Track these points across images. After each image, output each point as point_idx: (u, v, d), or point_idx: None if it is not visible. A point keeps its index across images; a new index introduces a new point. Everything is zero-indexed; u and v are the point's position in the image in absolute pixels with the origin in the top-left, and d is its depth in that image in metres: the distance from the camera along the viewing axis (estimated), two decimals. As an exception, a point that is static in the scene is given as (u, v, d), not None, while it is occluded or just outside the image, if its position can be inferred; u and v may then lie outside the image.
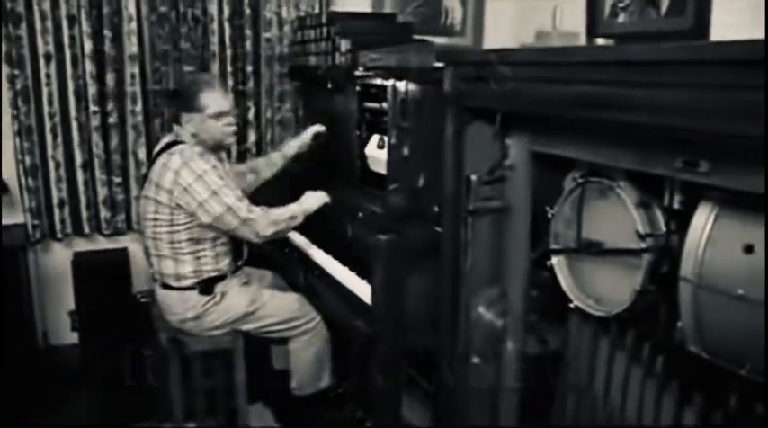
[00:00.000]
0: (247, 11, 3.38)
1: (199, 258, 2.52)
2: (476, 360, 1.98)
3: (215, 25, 3.34)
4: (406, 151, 2.21)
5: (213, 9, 3.32)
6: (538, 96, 1.58)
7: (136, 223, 3.34)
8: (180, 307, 2.53)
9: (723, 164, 1.27)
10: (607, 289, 1.73)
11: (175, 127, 2.57)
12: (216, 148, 2.60)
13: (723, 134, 1.15)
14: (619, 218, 1.65)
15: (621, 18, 3.16)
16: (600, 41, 3.18)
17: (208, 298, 2.53)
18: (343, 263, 2.46)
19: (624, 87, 1.34)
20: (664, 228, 1.59)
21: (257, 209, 2.47)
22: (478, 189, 1.87)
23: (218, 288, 2.56)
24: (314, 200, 2.65)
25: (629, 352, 1.74)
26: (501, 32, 3.70)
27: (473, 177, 1.86)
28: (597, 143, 1.58)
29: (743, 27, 2.56)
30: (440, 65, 1.90)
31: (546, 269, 1.88)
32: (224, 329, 2.55)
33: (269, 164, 3.00)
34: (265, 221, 2.47)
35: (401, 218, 2.08)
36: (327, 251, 2.61)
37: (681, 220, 1.54)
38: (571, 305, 1.80)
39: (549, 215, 1.84)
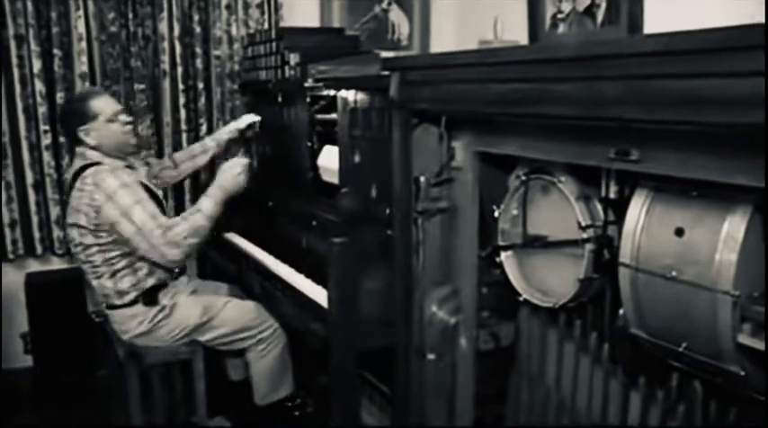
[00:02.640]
0: (197, 29, 3.41)
1: (136, 270, 2.51)
2: (431, 356, 2.03)
3: (165, 44, 3.36)
4: (357, 158, 2.26)
5: (164, 28, 3.34)
6: (477, 96, 1.64)
7: (67, 250, 3.32)
8: (129, 323, 2.53)
9: (653, 152, 1.35)
10: (553, 282, 1.80)
11: (78, 150, 2.56)
12: (122, 154, 2.59)
13: (648, 121, 1.23)
14: (561, 211, 1.73)
15: (561, 29, 3.29)
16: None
17: (156, 310, 2.53)
18: (299, 270, 2.50)
19: (555, 83, 1.42)
20: (602, 218, 1.67)
21: (165, 233, 2.39)
22: (427, 190, 1.93)
23: (166, 300, 2.56)
24: (226, 180, 2.57)
25: (577, 342, 1.81)
26: (445, 45, 3.80)
27: (421, 179, 1.92)
28: (536, 140, 1.65)
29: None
30: (386, 73, 1.97)
31: (496, 266, 1.95)
32: (178, 342, 2.55)
33: (203, 152, 3.05)
34: (175, 243, 2.40)
35: (354, 223, 2.13)
36: (283, 260, 2.64)
37: (618, 210, 1.62)
38: (520, 298, 1.87)
39: (496, 213, 1.91)
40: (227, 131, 3.08)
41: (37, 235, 3.26)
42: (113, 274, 2.49)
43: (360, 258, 2.04)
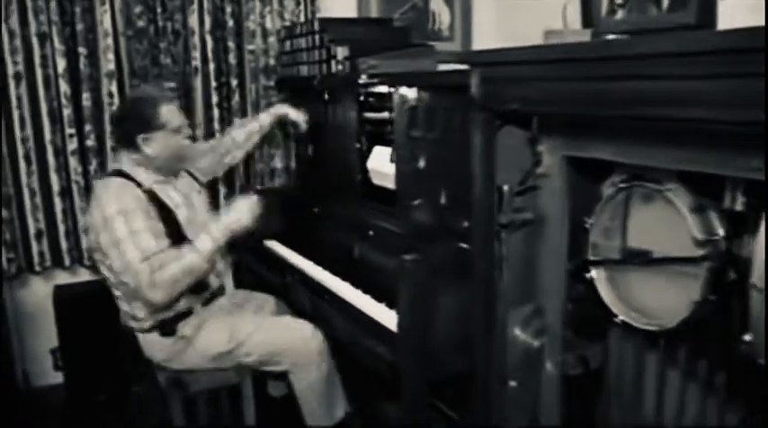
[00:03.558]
0: (230, 22, 3.20)
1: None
2: (512, 383, 1.83)
3: (196, 38, 3.16)
4: (421, 163, 2.06)
5: (194, 22, 3.14)
6: (578, 96, 1.44)
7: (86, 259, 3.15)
8: (149, 349, 2.34)
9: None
10: (657, 302, 1.59)
11: (117, 154, 2.39)
12: (173, 169, 2.43)
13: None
14: (667, 223, 1.52)
15: (620, 14, 3.05)
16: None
17: (173, 340, 2.32)
18: (355, 284, 2.29)
19: (683, 80, 1.21)
20: (721, 233, 1.46)
21: (153, 274, 2.16)
22: (511, 200, 1.72)
23: (188, 329, 2.34)
24: (234, 221, 2.33)
25: (684, 369, 1.61)
26: (488, 37, 3.57)
27: (505, 188, 1.71)
28: (638, 144, 1.45)
29: (752, 22, 2.46)
30: (458, 68, 1.76)
31: (583, 282, 1.74)
32: (206, 368, 2.36)
33: (236, 147, 2.88)
34: (158, 286, 2.18)
35: (424, 236, 1.92)
36: (334, 272, 2.44)
37: (742, 223, 1.41)
38: (616, 319, 1.67)
39: (587, 225, 1.71)
40: (272, 113, 2.90)
41: (64, 245, 3.07)
42: (127, 297, 2.31)
43: (432, 276, 1.84)
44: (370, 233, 2.31)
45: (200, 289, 2.38)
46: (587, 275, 1.72)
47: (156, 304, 2.20)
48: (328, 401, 2.44)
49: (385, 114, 2.46)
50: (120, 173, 2.29)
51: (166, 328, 2.30)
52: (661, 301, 1.58)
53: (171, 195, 2.39)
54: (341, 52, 2.55)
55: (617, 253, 1.65)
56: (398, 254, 1.87)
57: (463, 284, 1.80)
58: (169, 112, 2.33)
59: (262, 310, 2.65)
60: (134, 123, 2.31)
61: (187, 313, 2.33)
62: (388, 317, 2.01)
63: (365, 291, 2.21)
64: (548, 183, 1.73)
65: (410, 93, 2.16)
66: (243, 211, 2.33)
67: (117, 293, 2.31)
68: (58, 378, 3.11)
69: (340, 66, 2.56)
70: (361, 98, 2.48)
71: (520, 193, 1.75)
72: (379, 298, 2.13)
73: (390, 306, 2.05)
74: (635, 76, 1.29)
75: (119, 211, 2.17)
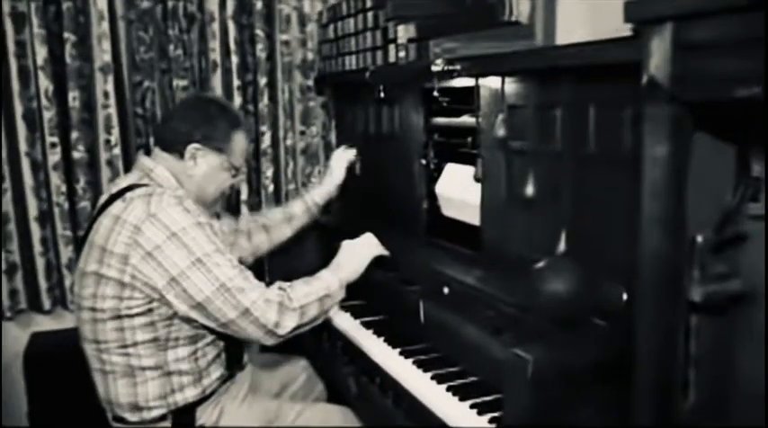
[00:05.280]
0: (258, 5, 2.53)
1: (170, 374, 1.61)
2: None
3: (215, 25, 2.50)
4: (527, 189, 1.34)
5: (213, 4, 2.48)
6: None
7: (70, 301, 2.46)
8: None
9: None
10: None
11: (144, 160, 1.72)
12: (210, 204, 1.79)
13: None
14: None
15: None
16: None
17: None
18: (422, 366, 1.56)
19: None
20: None
21: (271, 291, 1.59)
22: (708, 259, 0.99)
23: (206, 416, 1.67)
24: (355, 257, 1.79)
25: None
26: (576, 27, 2.84)
27: (698, 239, 0.98)
28: None
29: None
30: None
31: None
32: None
33: (286, 220, 2.14)
34: (285, 308, 1.58)
35: (541, 313, 1.19)
36: (391, 342, 1.72)
37: None
38: None
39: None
40: (323, 192, 2.20)
41: (43, 284, 2.42)
42: (133, 374, 1.60)
43: (561, 380, 1.10)
44: (445, 290, 1.58)
45: (235, 361, 1.75)
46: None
47: (282, 335, 1.60)
48: None
49: (463, 119, 1.76)
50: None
51: (184, 418, 1.64)
52: None
53: (217, 232, 1.75)
54: (403, 33, 1.85)
55: None
56: (486, 325, 1.16)
57: (611, 397, 1.07)
58: (240, 144, 1.78)
59: (290, 384, 1.97)
60: (198, 126, 1.71)
61: (209, 395, 1.68)
62: (470, 421, 1.29)
63: (439, 380, 1.48)
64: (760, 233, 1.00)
65: (512, 84, 1.46)
66: (364, 250, 1.83)
67: (115, 364, 1.60)
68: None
69: (402, 53, 1.86)
70: (430, 97, 1.78)
71: (718, 249, 1.01)
72: (462, 394, 1.40)
73: (481, 411, 1.32)
74: None
75: (195, 224, 1.56)
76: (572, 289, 1.13)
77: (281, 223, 2.14)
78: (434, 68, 1.58)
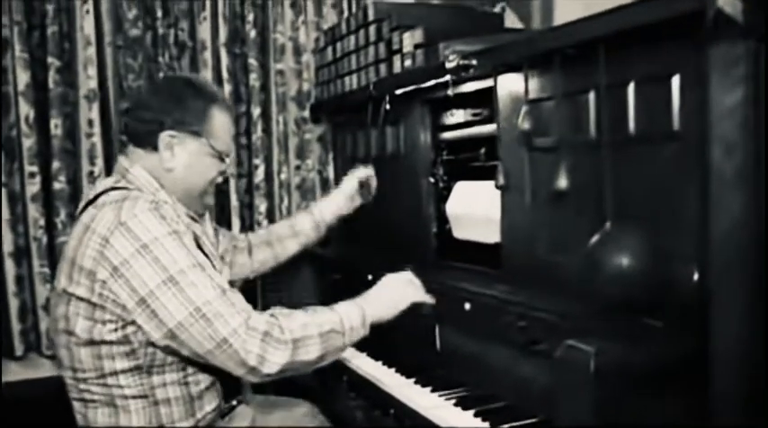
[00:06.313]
0: (252, 33, 2.45)
1: (157, 404, 1.40)
2: None
3: (207, 54, 2.40)
4: (563, 185, 1.20)
5: (205, 32, 2.40)
6: None
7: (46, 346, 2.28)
8: None
9: None
10: None
11: (120, 160, 1.54)
12: (192, 201, 1.58)
13: None
14: None
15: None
16: None
17: None
18: (440, 391, 1.39)
19: None
20: None
21: (257, 317, 1.35)
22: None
23: None
24: (393, 294, 1.53)
25: None
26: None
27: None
28: None
29: None
30: None
31: None
32: None
33: (293, 235, 1.96)
34: (273, 339, 1.33)
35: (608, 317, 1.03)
36: (404, 372, 1.54)
37: None
38: None
39: None
40: (333, 205, 1.97)
41: (16, 326, 2.23)
42: (113, 403, 1.39)
43: (627, 375, 0.93)
44: (467, 306, 1.42)
45: (232, 393, 1.56)
46: None
47: (267, 374, 1.34)
48: None
49: (476, 130, 1.64)
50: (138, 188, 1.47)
51: None
52: None
53: (205, 241, 1.57)
54: (408, 41, 1.74)
55: None
56: (519, 338, 1.00)
57: (684, 394, 0.91)
58: (221, 121, 1.55)
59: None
60: (167, 111, 1.49)
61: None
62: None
63: (465, 407, 1.30)
64: None
65: (534, 73, 1.35)
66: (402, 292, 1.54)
67: (95, 394, 1.40)
68: None
69: (408, 62, 1.75)
70: (438, 109, 1.67)
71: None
72: (493, 420, 1.22)
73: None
74: None
75: (169, 233, 1.34)
76: (633, 268, 0.97)
77: (286, 238, 1.94)
78: (449, 65, 1.46)
